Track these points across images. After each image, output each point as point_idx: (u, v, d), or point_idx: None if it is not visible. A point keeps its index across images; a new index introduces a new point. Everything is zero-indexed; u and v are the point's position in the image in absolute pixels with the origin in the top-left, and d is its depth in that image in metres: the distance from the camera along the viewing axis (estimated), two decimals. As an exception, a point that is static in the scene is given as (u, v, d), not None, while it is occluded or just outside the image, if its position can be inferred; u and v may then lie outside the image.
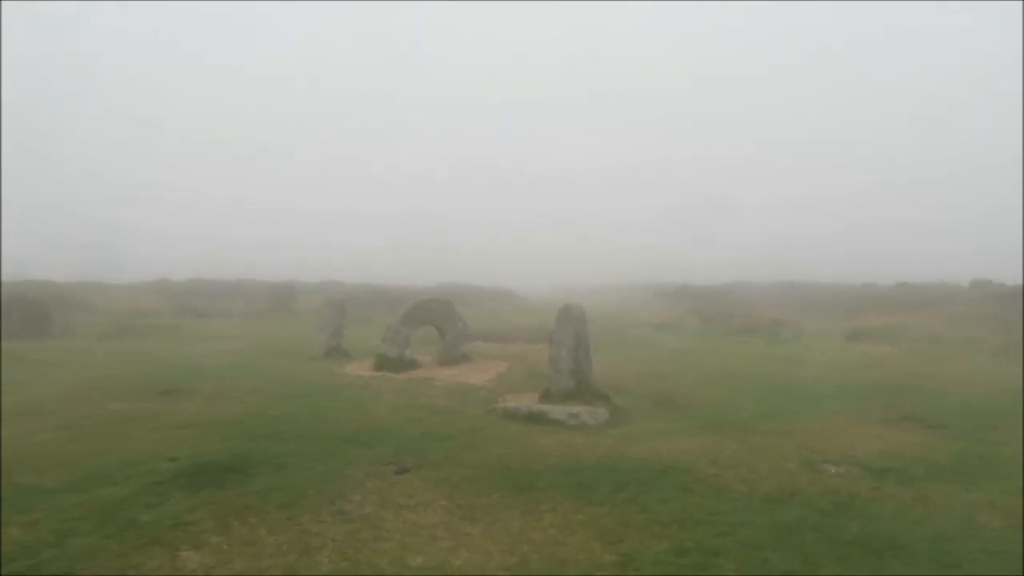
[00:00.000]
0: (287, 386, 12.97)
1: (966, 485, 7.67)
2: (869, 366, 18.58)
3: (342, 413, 10.67)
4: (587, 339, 12.21)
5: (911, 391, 14.24)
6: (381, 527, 6.09)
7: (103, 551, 5.40)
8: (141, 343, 21.95)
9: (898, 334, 25.25)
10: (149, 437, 9.05)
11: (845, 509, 6.79)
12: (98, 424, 9.75)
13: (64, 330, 23.79)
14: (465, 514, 6.52)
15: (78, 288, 36.43)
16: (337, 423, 9.96)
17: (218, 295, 39.17)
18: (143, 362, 16.40)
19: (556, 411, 10.80)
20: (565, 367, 11.83)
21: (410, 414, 10.81)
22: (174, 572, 5.09)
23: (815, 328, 28.63)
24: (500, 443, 9.13)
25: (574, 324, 12.02)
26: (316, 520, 6.16)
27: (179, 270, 49.78)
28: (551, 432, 9.92)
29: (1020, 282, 31.71)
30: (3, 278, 29.86)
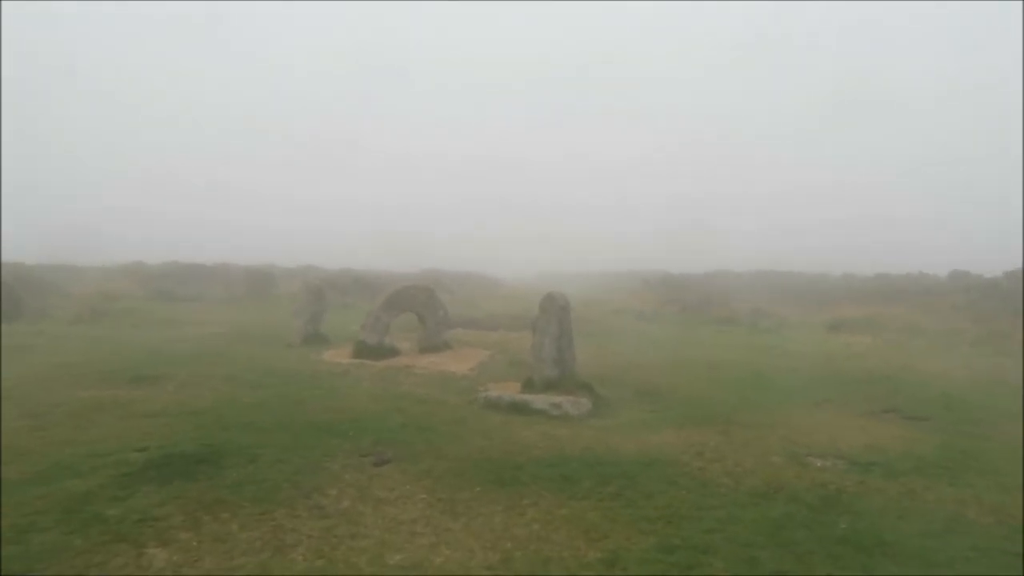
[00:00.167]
0: (263, 373, 12.65)
1: (952, 480, 7.60)
2: (850, 356, 18.61)
3: (319, 402, 10.40)
4: (570, 328, 12.04)
5: (892, 382, 14.24)
6: (359, 522, 5.87)
7: (65, 548, 5.14)
8: (114, 328, 21.43)
9: (878, 325, 25.39)
10: (118, 426, 8.73)
11: (833, 504, 6.68)
12: (66, 412, 9.39)
13: (37, 314, 23.18)
14: (446, 508, 6.33)
15: (50, 271, 35.63)
16: (314, 412, 9.69)
17: (194, 279, 38.50)
18: (115, 347, 15.96)
19: (539, 401, 10.63)
20: (548, 356, 11.65)
21: (390, 403, 10.57)
22: (139, 571, 4.84)
23: (795, 318, 28.74)
24: (482, 434, 8.94)
25: (557, 313, 11.84)
26: (291, 515, 5.92)
27: (155, 253, 48.98)
28: (534, 422, 9.75)
29: (997, 274, 32.11)
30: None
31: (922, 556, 5.55)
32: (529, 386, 11.62)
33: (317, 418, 9.32)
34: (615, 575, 5.07)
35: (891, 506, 6.70)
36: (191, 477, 6.70)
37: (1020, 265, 30.87)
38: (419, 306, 16.82)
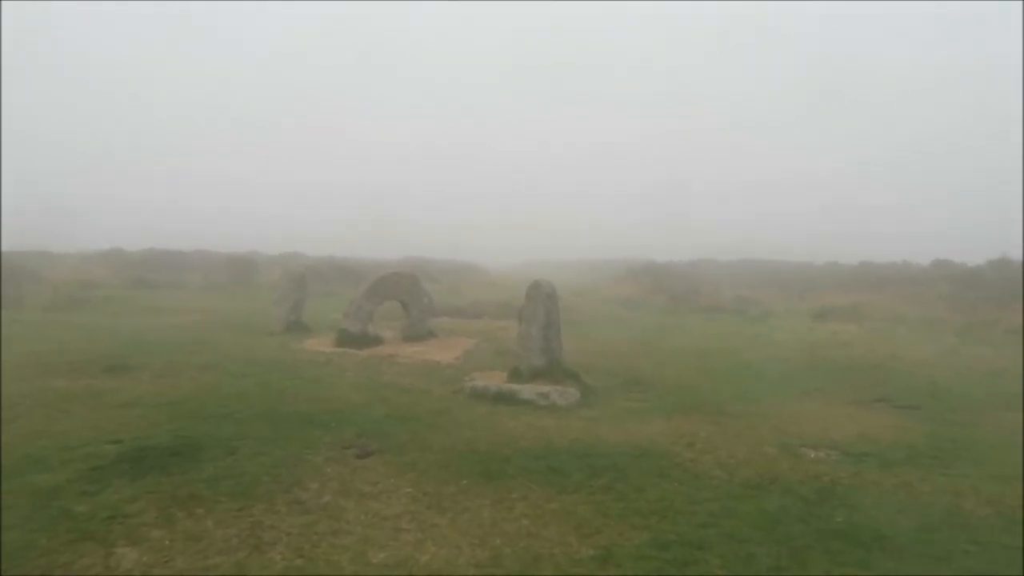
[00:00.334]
0: (242, 362, 12.32)
1: (946, 470, 7.50)
2: (836, 345, 18.57)
3: (300, 392, 10.12)
4: (557, 316, 11.82)
5: (880, 371, 14.19)
6: (341, 518, 5.63)
7: (30, 547, 4.86)
8: (90, 315, 20.94)
9: (863, 313, 25.43)
10: (91, 417, 8.40)
11: (828, 497, 6.54)
12: (37, 403, 9.04)
13: (11, 301, 22.60)
14: (432, 503, 6.10)
15: (25, 257, 34.86)
16: (295, 403, 9.41)
17: (174, 266, 37.88)
18: (90, 336, 15.55)
19: (526, 391, 10.41)
20: (535, 345, 11.44)
21: (373, 393, 10.31)
22: (107, 572, 4.58)
23: (781, 306, 28.75)
24: (468, 425, 8.72)
25: (544, 301, 11.61)
26: (270, 511, 5.67)
27: (134, 240, 48.20)
28: (521, 413, 9.53)
29: (979, 263, 32.31)
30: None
31: (921, 550, 5.41)
32: (516, 376, 11.40)
33: (298, 409, 9.05)
34: (608, 573, 4.88)
35: (887, 499, 6.56)
36: (165, 471, 6.43)
37: (1002, 254, 31.10)
38: (403, 294, 16.53)
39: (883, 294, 29.91)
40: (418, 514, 5.82)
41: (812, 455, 7.93)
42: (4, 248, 34.40)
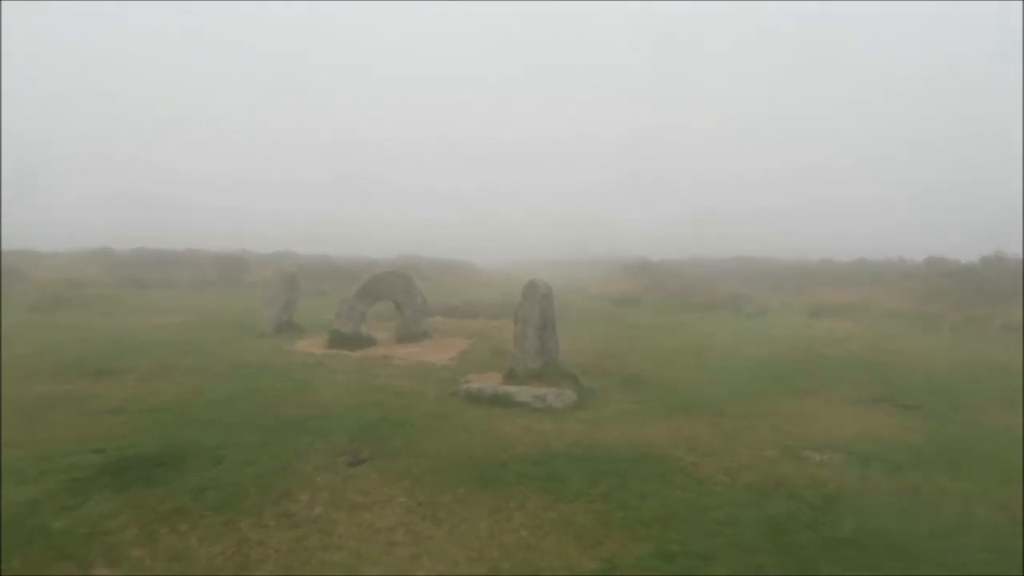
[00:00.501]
0: (231, 365, 12.07)
1: (953, 473, 7.32)
2: (833, 342, 18.41)
3: (291, 396, 9.87)
4: (554, 317, 11.60)
5: (878, 368, 14.03)
6: (332, 532, 5.40)
7: (2, 568, 4.61)
8: (77, 316, 20.58)
9: (858, 310, 25.32)
10: (74, 425, 8.14)
11: (834, 502, 6.35)
12: (19, 410, 8.76)
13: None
14: (427, 513, 5.88)
15: (11, 257, 34.36)
16: (285, 407, 9.17)
17: (164, 265, 37.45)
18: (76, 337, 15.23)
19: (522, 393, 10.19)
20: (531, 346, 11.21)
21: (366, 396, 10.07)
22: (84, 594, 4.35)
23: (776, 304, 28.59)
24: (463, 429, 8.48)
25: (540, 301, 11.39)
26: (258, 524, 5.43)
27: (123, 238, 47.66)
28: (517, 416, 9.30)
29: (973, 259, 32.23)
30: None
31: (934, 558, 5.23)
32: (511, 377, 11.18)
33: (288, 414, 8.81)
34: (612, 589, 4.67)
35: (896, 503, 6.38)
36: (149, 482, 6.18)
37: (996, 250, 31.04)
38: (396, 294, 16.28)
39: (878, 290, 29.80)
40: (413, 526, 5.60)
41: (816, 458, 7.73)
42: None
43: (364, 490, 6.32)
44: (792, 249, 54.02)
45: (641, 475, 6.92)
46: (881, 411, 10.37)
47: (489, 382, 11.10)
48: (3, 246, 34.69)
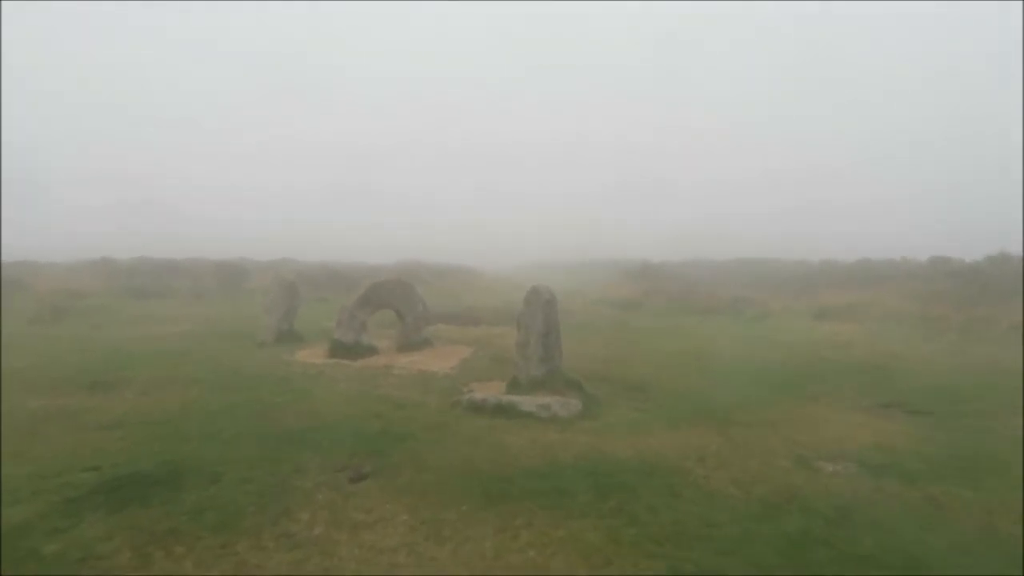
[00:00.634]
0: (230, 375, 11.88)
1: (972, 484, 7.12)
2: (837, 345, 18.25)
3: (290, 407, 9.68)
4: (557, 323, 11.41)
5: (885, 373, 13.87)
6: (333, 553, 5.21)
7: (-9, 595, 4.44)
8: (76, 327, 20.41)
9: (862, 312, 25.13)
10: (69, 441, 7.96)
11: (851, 516, 6.16)
12: (13, 425, 8.58)
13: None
14: (430, 532, 5.69)
15: (10, 268, 34.18)
16: (284, 420, 8.98)
17: (164, 274, 37.27)
18: (74, 349, 15.05)
19: (526, 402, 10.00)
20: (534, 354, 11.02)
21: (367, 407, 9.87)
22: (75, 626, 4.16)
23: (779, 306, 28.39)
24: (467, 441, 8.28)
25: (543, 307, 11.20)
26: (256, 546, 5.24)
27: (124, 247, 47.56)
28: (522, 426, 9.10)
29: (977, 259, 32.06)
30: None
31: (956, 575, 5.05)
32: (515, 386, 11.00)
33: (288, 426, 8.62)
34: (625, 613, 4.48)
35: (914, 517, 6.19)
36: (145, 502, 5.99)
37: (1000, 249, 30.88)
38: (397, 301, 16.09)
39: (881, 292, 29.59)
40: (416, 546, 5.41)
41: (829, 468, 7.55)
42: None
43: (366, 508, 6.13)
44: (792, 250, 53.84)
45: (651, 488, 6.74)
46: (891, 418, 10.19)
47: (492, 391, 10.92)
48: (4, 257, 34.51)
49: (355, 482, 6.78)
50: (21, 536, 5.31)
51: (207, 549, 5.15)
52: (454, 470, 7.19)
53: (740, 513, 6.19)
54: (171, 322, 21.38)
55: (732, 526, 5.89)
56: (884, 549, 5.45)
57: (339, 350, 14.51)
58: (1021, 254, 28.56)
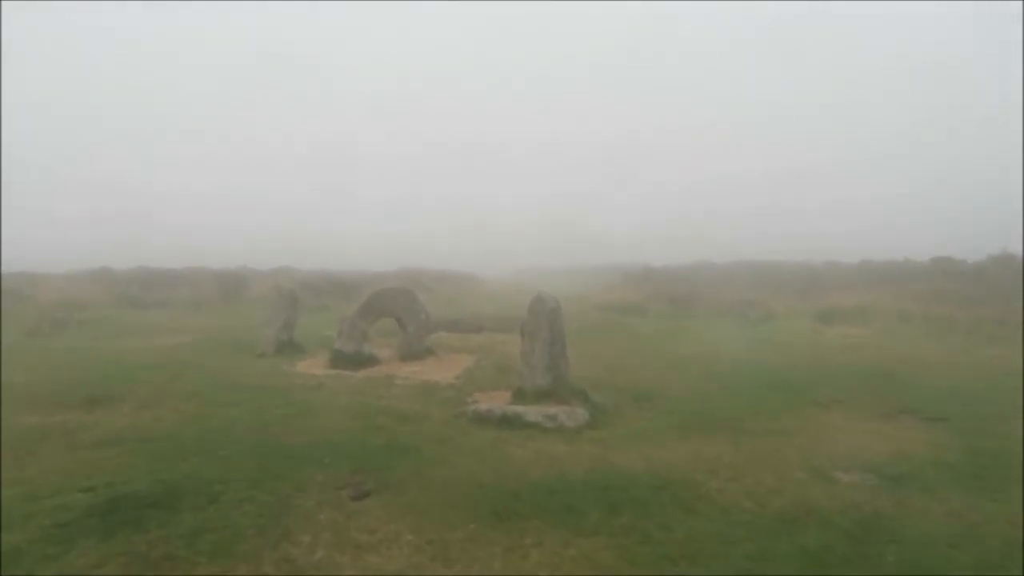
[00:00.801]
0: (230, 388, 11.65)
1: (994, 494, 6.90)
2: (846, 349, 18.04)
3: (291, 422, 9.46)
4: (563, 331, 11.18)
5: (896, 377, 13.64)
6: (335, 578, 5.00)
7: (-23, 629, 4.22)
8: (74, 338, 20.21)
9: (868, 314, 24.92)
10: (63, 460, 7.73)
11: (873, 530, 5.94)
12: (6, 444, 8.34)
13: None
14: (437, 552, 5.47)
15: (8, 278, 33.97)
16: (285, 434, 8.75)
17: (163, 284, 37.08)
18: (71, 362, 14.83)
19: (532, 413, 9.78)
20: (539, 363, 10.80)
21: (369, 420, 9.65)
22: (64, 663, 3.94)
23: (783, 309, 28.16)
24: (472, 455, 8.06)
25: (548, 315, 10.99)
26: (255, 573, 5.02)
27: (123, 256, 47.41)
28: (528, 438, 8.87)
29: (980, 258, 31.83)
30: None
31: (988, 596, 4.82)
32: (520, 396, 10.77)
33: (288, 441, 8.39)
34: (644, 642, 4.26)
35: (938, 531, 5.96)
36: (139, 525, 5.77)
37: (1003, 248, 30.69)
38: (399, 310, 15.87)
39: (885, 293, 29.38)
40: (422, 568, 5.19)
41: (846, 479, 7.32)
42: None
43: (369, 528, 5.91)
44: (791, 251, 53.63)
45: (663, 503, 6.52)
46: (906, 424, 9.96)
47: (496, 401, 10.70)
48: (5, 268, 34.33)
49: (357, 500, 6.57)
50: (11, 564, 5.09)
51: (204, 576, 4.93)
52: (460, 486, 6.97)
53: (757, 528, 5.97)
54: (170, 333, 21.17)
55: (749, 543, 5.67)
56: (909, 566, 5.24)
57: (340, 360, 14.30)
58: (1022, 253, 28.38)
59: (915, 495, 6.84)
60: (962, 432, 9.43)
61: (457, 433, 9.13)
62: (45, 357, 15.70)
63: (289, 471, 7.27)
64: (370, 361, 14.53)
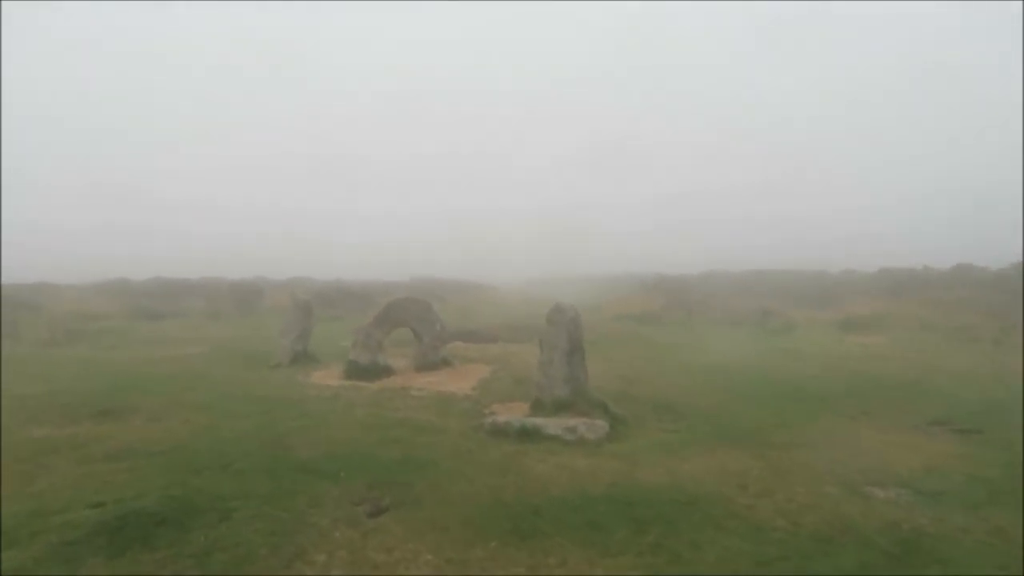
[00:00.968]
0: (243, 400, 11.49)
1: (1038, 510, 6.58)
2: (869, 358, 17.65)
3: (306, 434, 9.25)
4: (582, 342, 10.94)
5: (923, 387, 13.28)
6: (352, 601, 4.77)
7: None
8: (88, 349, 20.20)
9: (888, 323, 24.49)
10: (73, 474, 7.57)
11: (914, 550, 5.64)
12: (16, 457, 8.21)
13: (7, 337, 21.85)
14: (457, 573, 5.24)
15: (25, 290, 34.20)
16: (299, 448, 8.54)
17: (178, 295, 37.19)
18: (84, 373, 14.75)
19: (551, 425, 9.54)
20: (558, 374, 10.56)
21: (385, 433, 9.44)
22: None
23: (802, 318, 27.73)
24: (492, 469, 7.82)
25: (567, 325, 10.75)
26: (268, 595, 4.82)
27: (140, 268, 47.73)
28: (548, 452, 8.62)
29: (1002, 266, 31.29)
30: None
31: (1044, 622, 4.52)
32: (538, 407, 10.53)
33: (303, 456, 8.18)
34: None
35: (982, 550, 5.67)
36: (149, 544, 5.58)
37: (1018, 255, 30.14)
38: (413, 320, 15.69)
39: (905, 301, 28.91)
40: (442, 590, 4.96)
41: (881, 495, 7.02)
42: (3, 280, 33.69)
43: (387, 546, 5.69)
44: (803, 259, 53.10)
45: (691, 521, 6.25)
46: (939, 437, 9.63)
47: (515, 413, 10.46)
48: (21, 279, 34.56)
49: (374, 517, 6.35)
50: (17, 584, 4.91)
51: (215, 599, 4.72)
52: (480, 502, 6.74)
53: (791, 548, 5.69)
54: (185, 344, 21.11)
55: (783, 563, 5.40)
56: (957, 590, 4.94)
57: (355, 371, 14.12)
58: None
59: (955, 512, 6.53)
60: (997, 446, 9.09)
61: (475, 446, 8.90)
62: (58, 368, 15.64)
63: (303, 486, 7.07)
64: (385, 372, 14.34)
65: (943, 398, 12.25)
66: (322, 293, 34.79)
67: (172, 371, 14.83)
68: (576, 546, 5.71)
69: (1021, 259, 29.84)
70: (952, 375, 14.87)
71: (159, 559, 5.29)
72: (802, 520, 6.32)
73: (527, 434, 9.34)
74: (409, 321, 15.68)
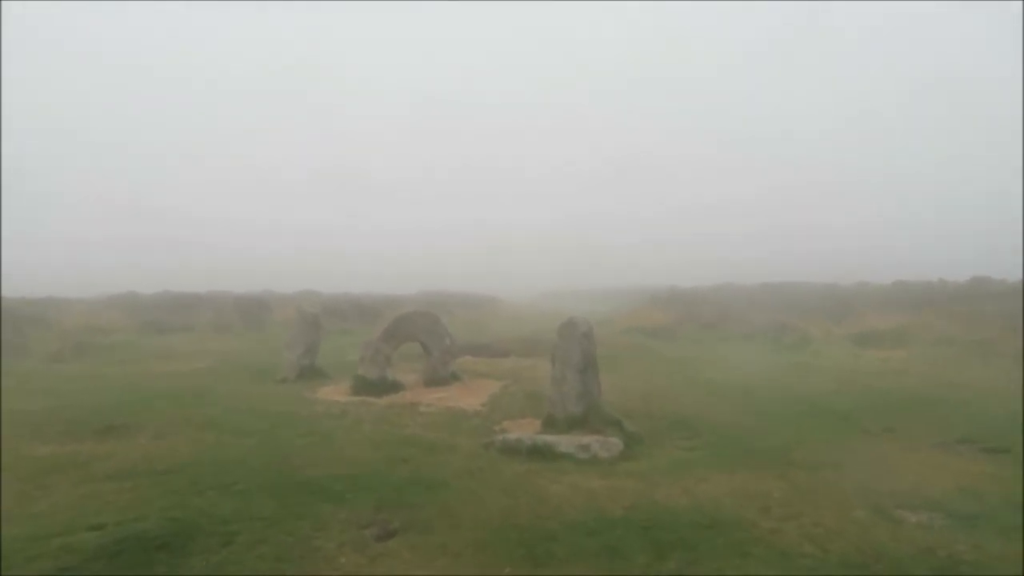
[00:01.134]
0: (249, 417, 11.26)
1: (1080, 535, 6.25)
2: (889, 373, 17.28)
3: (311, 453, 9.00)
4: (595, 357, 10.67)
5: (947, 404, 12.92)
6: (358, 634, 4.51)
7: None
8: (95, 364, 20.07)
9: (907, 337, 24.04)
10: (73, 494, 7.34)
11: (952, 580, 5.33)
12: (17, 476, 8.00)
13: (15, 352, 21.77)
14: (469, 602, 4.97)
15: (32, 304, 34.18)
16: (305, 467, 8.29)
17: (186, 309, 37.11)
18: (90, 388, 14.57)
19: (563, 443, 9.26)
20: (571, 390, 10.29)
21: (393, 451, 9.18)
22: None
23: (817, 331, 27.30)
24: (504, 490, 7.53)
25: (580, 340, 10.49)
26: (270, 627, 4.56)
27: (148, 281, 47.80)
28: (562, 471, 8.33)
29: (1019, 278, 30.77)
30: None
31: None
32: (550, 424, 10.26)
33: (308, 476, 7.93)
34: None
35: (1026, 580, 5.34)
36: (149, 569, 5.34)
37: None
38: (422, 334, 15.45)
39: (922, 315, 28.41)
40: (454, 622, 4.69)
41: (912, 519, 6.69)
42: (10, 295, 33.70)
43: (395, 572, 5.42)
44: (814, 271, 52.61)
45: (713, 546, 5.95)
46: (968, 456, 9.28)
47: (526, 430, 10.20)
48: (29, 293, 34.58)
49: (382, 540, 6.09)
50: (8, 614, 4.68)
51: (214, 631, 4.47)
52: (492, 525, 6.46)
53: (821, 576, 5.38)
54: (192, 358, 20.95)
55: (815, 593, 5.09)
56: (1003, 624, 4.63)
57: (363, 387, 13.88)
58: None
59: (992, 538, 6.20)
60: (1028, 465, 8.73)
61: (486, 465, 8.62)
62: (65, 383, 15.48)
63: (309, 508, 6.81)
64: (394, 387, 14.09)
65: (967, 414, 11.88)
66: (330, 306, 34.65)
67: (178, 386, 14.64)
68: (594, 572, 5.43)
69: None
70: (975, 391, 14.48)
71: (157, 587, 5.05)
72: (830, 546, 6.00)
73: (539, 452, 9.07)
74: (418, 335, 15.44)
